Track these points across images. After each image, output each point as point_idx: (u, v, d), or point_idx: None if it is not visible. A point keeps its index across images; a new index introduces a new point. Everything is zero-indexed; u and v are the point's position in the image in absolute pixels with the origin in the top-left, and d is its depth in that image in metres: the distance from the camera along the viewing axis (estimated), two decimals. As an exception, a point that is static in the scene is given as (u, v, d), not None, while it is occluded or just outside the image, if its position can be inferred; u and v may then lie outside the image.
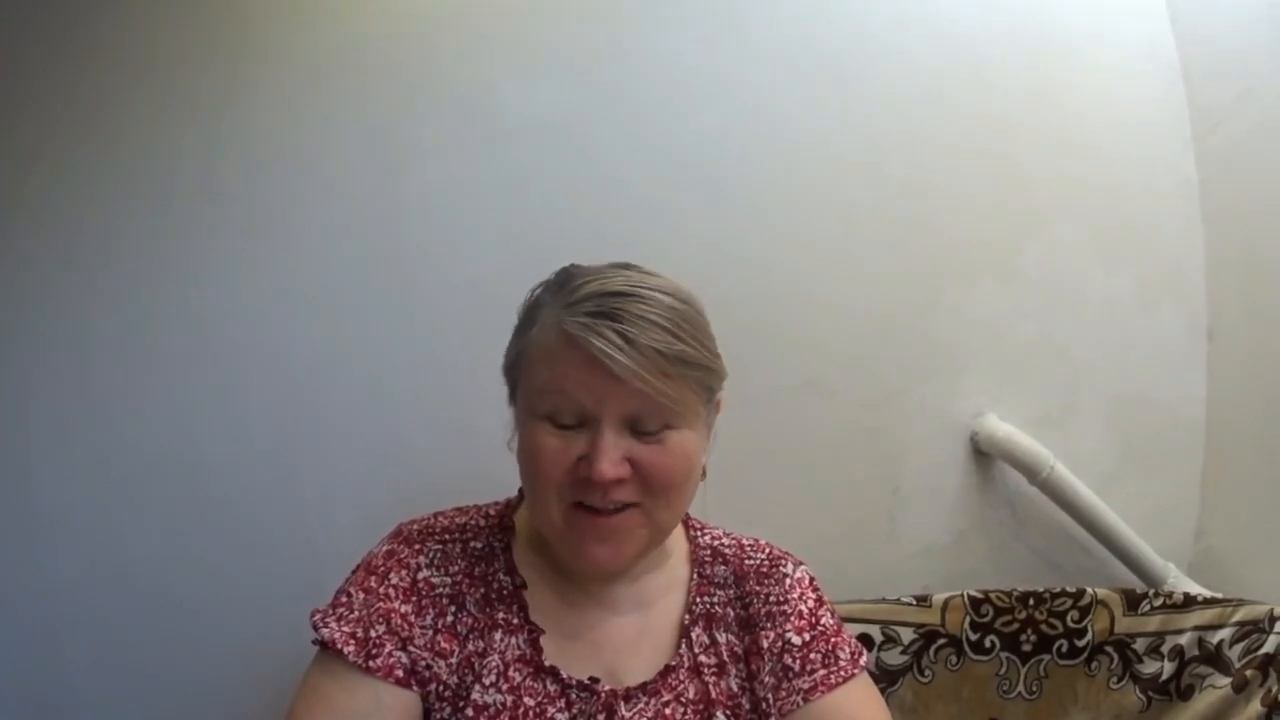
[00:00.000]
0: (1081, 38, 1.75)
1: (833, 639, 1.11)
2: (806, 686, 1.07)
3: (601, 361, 0.95)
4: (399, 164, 1.47)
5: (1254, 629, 1.42)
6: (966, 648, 1.52)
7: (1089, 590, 1.53)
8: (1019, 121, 1.71)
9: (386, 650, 1.00)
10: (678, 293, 1.02)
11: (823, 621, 1.12)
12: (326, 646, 1.00)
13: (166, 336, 1.41)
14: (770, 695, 1.07)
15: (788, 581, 1.14)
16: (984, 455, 1.70)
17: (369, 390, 1.46)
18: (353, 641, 1.00)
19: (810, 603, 1.13)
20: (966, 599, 1.52)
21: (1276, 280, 1.67)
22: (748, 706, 1.07)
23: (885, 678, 1.49)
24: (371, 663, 0.99)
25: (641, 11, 1.55)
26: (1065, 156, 1.74)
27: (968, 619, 1.52)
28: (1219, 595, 1.53)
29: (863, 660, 1.11)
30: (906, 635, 1.50)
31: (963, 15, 1.68)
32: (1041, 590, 1.53)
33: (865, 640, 1.47)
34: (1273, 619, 1.41)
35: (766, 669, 1.08)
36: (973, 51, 1.69)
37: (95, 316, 1.39)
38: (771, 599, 1.12)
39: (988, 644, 1.52)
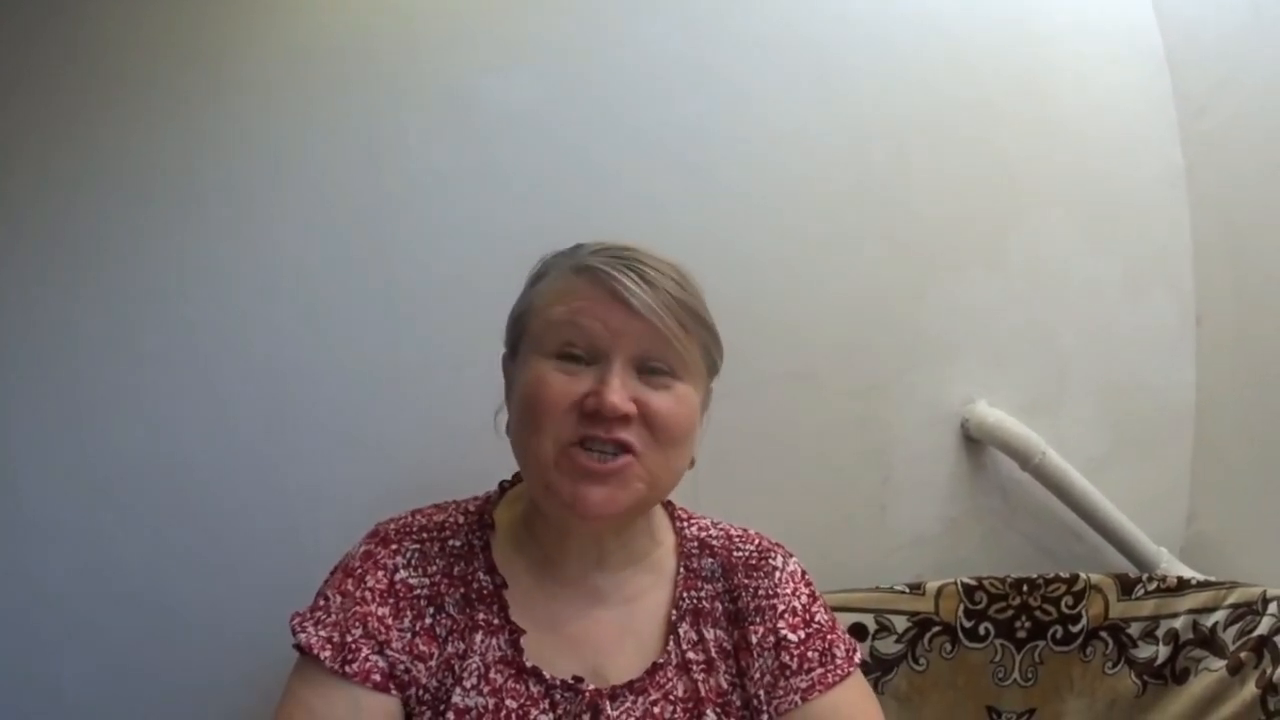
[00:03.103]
0: (1065, 24, 1.75)
1: (829, 636, 1.10)
2: (804, 686, 1.06)
3: (621, 295, 0.97)
4: (381, 158, 1.46)
5: (1248, 611, 1.42)
6: (961, 635, 1.51)
7: (1083, 575, 1.52)
8: (1004, 108, 1.71)
9: (363, 655, 0.98)
10: (679, 264, 1.06)
11: (818, 618, 1.11)
12: (304, 652, 0.98)
13: (149, 336, 1.40)
14: (763, 693, 1.06)
15: (778, 575, 1.12)
16: (975, 442, 1.69)
17: (353, 387, 1.45)
18: (329, 646, 0.98)
19: (804, 598, 1.12)
20: (960, 586, 1.51)
21: (1264, 264, 1.67)
22: (738, 703, 1.05)
23: (880, 666, 1.49)
24: (348, 668, 0.97)
25: (624, 2, 1.54)
26: (1051, 143, 1.74)
27: (962, 606, 1.51)
28: (1212, 579, 1.52)
29: (857, 657, 1.10)
30: (900, 624, 1.50)
31: (946, 6, 1.68)
32: (1035, 576, 1.53)
33: (859, 629, 1.47)
34: (1266, 600, 1.41)
35: (757, 665, 1.06)
36: (957, 38, 1.68)
37: (77, 318, 1.38)
38: (760, 592, 1.10)
39: (982, 631, 1.52)
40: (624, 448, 0.98)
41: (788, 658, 1.07)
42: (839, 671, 1.07)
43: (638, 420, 0.98)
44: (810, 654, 1.07)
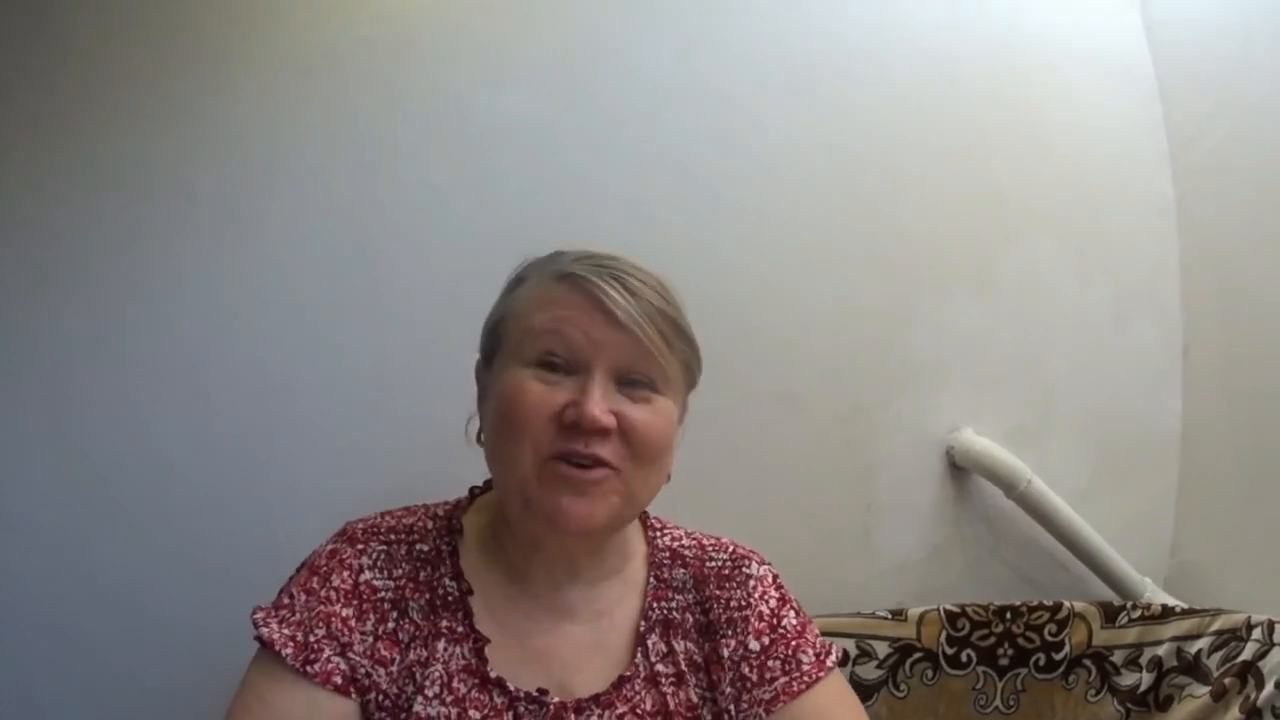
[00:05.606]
0: (1058, 52, 1.76)
1: (794, 641, 1.06)
2: (767, 697, 1.02)
3: (604, 305, 0.95)
4: (375, 167, 1.46)
5: (1232, 637, 1.41)
6: (943, 662, 1.50)
7: (1066, 603, 1.51)
8: (995, 135, 1.72)
9: (325, 655, 0.96)
10: (662, 276, 1.04)
11: (784, 623, 1.07)
12: (267, 646, 0.97)
13: (134, 337, 1.39)
14: (734, 707, 1.03)
15: (751, 583, 1.09)
16: (960, 469, 1.68)
17: (338, 391, 1.44)
18: (291, 644, 0.96)
19: (772, 603, 1.09)
20: (942, 612, 1.50)
21: (1252, 295, 1.67)
22: (709, 718, 1.03)
23: (860, 693, 1.45)
24: (310, 668, 0.95)
25: (618, 17, 1.55)
26: (1041, 171, 1.75)
27: (944, 633, 1.50)
28: (1196, 607, 1.51)
29: (830, 661, 1.06)
30: (882, 649, 1.48)
31: (939, 28, 1.69)
32: (1019, 604, 1.52)
33: (840, 655, 1.46)
34: (1250, 626, 1.39)
35: (728, 678, 1.04)
36: (949, 64, 1.69)
37: (64, 317, 1.37)
38: (733, 604, 1.07)
39: (964, 658, 1.51)
40: (601, 463, 0.96)
41: (748, 669, 1.04)
42: (806, 678, 1.04)
43: (616, 434, 0.96)
44: (771, 663, 1.05)
